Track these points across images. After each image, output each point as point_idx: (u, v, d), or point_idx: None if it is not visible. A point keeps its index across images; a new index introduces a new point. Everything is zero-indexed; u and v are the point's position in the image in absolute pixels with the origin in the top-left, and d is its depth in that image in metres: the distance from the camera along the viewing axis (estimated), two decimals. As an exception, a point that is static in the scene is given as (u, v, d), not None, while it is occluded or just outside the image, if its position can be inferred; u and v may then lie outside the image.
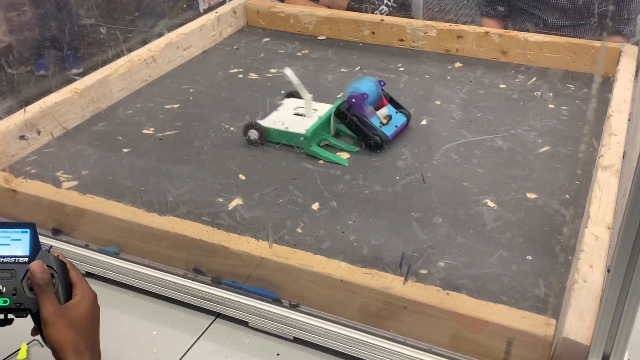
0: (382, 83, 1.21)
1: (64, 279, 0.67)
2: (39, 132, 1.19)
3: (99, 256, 0.97)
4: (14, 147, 1.16)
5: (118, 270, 0.95)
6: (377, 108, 1.19)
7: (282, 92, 1.34)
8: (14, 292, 0.65)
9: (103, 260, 0.96)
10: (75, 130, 1.26)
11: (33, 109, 1.20)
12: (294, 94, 1.28)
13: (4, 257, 0.66)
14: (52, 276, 0.66)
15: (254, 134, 1.18)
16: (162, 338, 0.88)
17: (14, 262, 0.66)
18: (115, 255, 0.97)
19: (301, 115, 1.22)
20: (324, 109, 1.22)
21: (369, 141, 1.15)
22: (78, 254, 0.97)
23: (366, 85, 1.18)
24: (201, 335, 0.88)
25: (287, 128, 1.17)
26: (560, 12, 1.76)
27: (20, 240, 0.67)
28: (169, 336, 0.88)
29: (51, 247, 0.72)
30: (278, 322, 0.86)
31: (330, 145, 1.18)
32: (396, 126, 1.18)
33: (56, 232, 1.02)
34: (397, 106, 1.23)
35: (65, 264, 0.68)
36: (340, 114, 1.17)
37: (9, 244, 0.67)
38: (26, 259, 0.66)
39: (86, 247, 0.99)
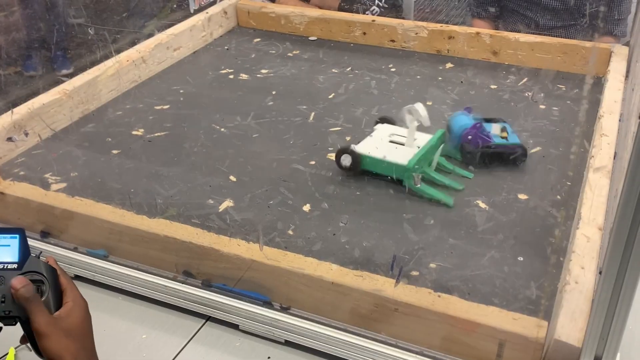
0: (469, 110, 1.18)
1: (54, 286, 0.65)
2: (26, 134, 1.18)
3: (87, 259, 0.96)
4: (1, 149, 1.14)
5: (107, 273, 0.94)
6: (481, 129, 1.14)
7: (273, 92, 1.32)
8: (3, 299, 0.63)
9: (92, 263, 0.95)
10: (64, 131, 1.25)
11: (21, 110, 1.18)
12: (387, 119, 1.18)
13: None
14: (42, 282, 0.64)
15: (347, 160, 1.07)
16: (151, 342, 0.87)
17: (3, 269, 0.64)
18: (104, 258, 0.96)
19: (398, 144, 1.11)
20: (423, 139, 1.10)
21: (514, 157, 1.09)
22: (67, 257, 0.96)
23: (466, 119, 1.13)
24: (191, 338, 0.87)
25: (385, 157, 1.06)
26: (552, 13, 1.76)
27: (9, 246, 0.66)
28: (158, 340, 0.87)
29: (41, 252, 0.71)
30: (269, 325, 0.85)
31: (431, 181, 1.07)
32: (513, 132, 1.14)
33: (44, 235, 1.01)
34: (488, 120, 1.17)
35: (55, 270, 0.67)
36: (469, 155, 1.10)
37: None
38: (15, 265, 0.65)
39: (75, 250, 0.98)
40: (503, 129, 1.13)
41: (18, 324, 0.64)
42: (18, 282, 0.63)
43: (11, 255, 0.65)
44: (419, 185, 1.03)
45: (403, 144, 1.10)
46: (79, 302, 0.66)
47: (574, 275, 0.79)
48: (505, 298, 0.83)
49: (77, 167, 1.13)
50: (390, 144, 1.11)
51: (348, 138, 1.21)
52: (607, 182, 0.96)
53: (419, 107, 1.06)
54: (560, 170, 1.10)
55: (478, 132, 1.10)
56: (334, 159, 1.09)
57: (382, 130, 1.15)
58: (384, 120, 1.19)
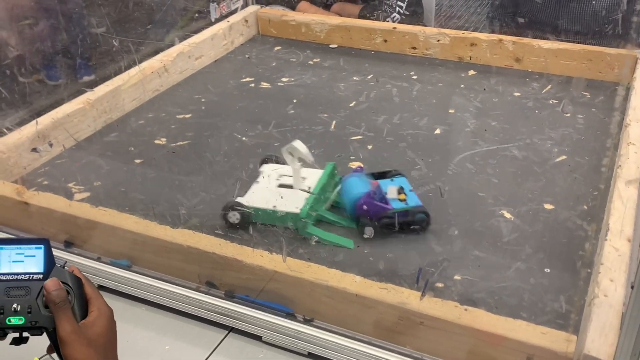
0: (360, 169, 1.07)
1: (79, 296, 0.65)
2: (51, 145, 1.19)
3: (111, 269, 0.96)
4: (26, 159, 1.15)
5: (130, 284, 0.94)
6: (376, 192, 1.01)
7: (294, 100, 1.32)
8: (29, 310, 0.63)
9: (115, 274, 0.95)
10: (88, 141, 1.26)
11: (45, 120, 1.19)
12: (271, 158, 1.09)
13: (18, 274, 0.65)
14: (68, 293, 0.65)
15: (234, 217, 0.98)
16: (175, 353, 0.87)
17: (28, 279, 0.65)
18: (128, 268, 0.96)
19: (287, 187, 1.02)
20: (313, 176, 1.03)
21: (416, 226, 0.97)
22: (90, 267, 0.97)
23: (359, 184, 1.00)
24: (214, 350, 0.87)
25: (275, 207, 0.97)
26: (578, 23, 1.73)
27: (34, 256, 0.66)
28: (182, 351, 0.87)
29: (65, 262, 0.71)
30: (292, 337, 0.84)
31: (328, 222, 1.00)
32: (411, 190, 1.02)
33: (68, 245, 1.01)
34: (382, 175, 1.06)
35: (80, 279, 0.67)
36: (366, 227, 0.97)
37: (22, 261, 0.65)
38: (41, 276, 0.65)
39: (98, 260, 0.98)
40: (400, 190, 1.00)
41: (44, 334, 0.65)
42: (52, 285, 0.63)
43: (37, 266, 0.66)
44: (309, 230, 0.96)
45: (292, 187, 1.01)
46: (104, 311, 0.66)
47: (602, 288, 0.77)
48: (532, 311, 0.81)
49: (100, 177, 1.14)
50: (280, 189, 1.02)
51: (370, 147, 1.21)
52: (636, 193, 0.94)
53: (298, 144, 0.98)
54: (587, 179, 1.09)
55: (373, 199, 0.97)
56: (221, 216, 0.99)
57: (269, 173, 1.05)
58: (268, 160, 1.09)
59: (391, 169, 1.07)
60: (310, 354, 0.84)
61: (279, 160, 1.08)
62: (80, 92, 1.28)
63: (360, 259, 0.91)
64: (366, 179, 1.02)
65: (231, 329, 0.89)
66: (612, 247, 0.84)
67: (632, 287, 0.62)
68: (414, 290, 0.79)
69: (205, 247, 0.89)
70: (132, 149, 1.23)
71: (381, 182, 1.02)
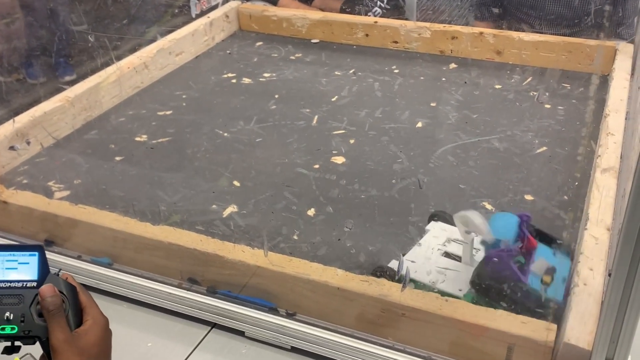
0: (525, 218, 0.83)
1: (74, 304, 0.64)
2: (28, 143, 1.17)
3: (92, 267, 0.95)
4: (4, 158, 1.14)
5: (112, 281, 0.94)
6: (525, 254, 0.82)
7: (276, 96, 1.31)
8: (22, 318, 0.62)
9: (96, 272, 0.94)
10: (67, 139, 1.25)
11: (23, 118, 1.18)
12: (443, 216, 0.93)
13: (11, 281, 0.63)
14: (62, 301, 0.63)
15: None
16: (157, 350, 0.86)
17: (22, 287, 0.63)
18: (109, 266, 0.95)
19: (454, 258, 0.88)
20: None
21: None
22: (71, 265, 0.96)
23: (505, 228, 0.82)
24: (197, 346, 0.87)
25: (433, 283, 0.83)
26: (556, 16, 1.74)
27: (28, 263, 0.64)
28: (164, 348, 0.87)
29: (60, 270, 0.70)
30: (275, 331, 0.84)
31: None
32: (564, 279, 0.79)
33: (48, 244, 1.00)
34: (548, 238, 0.86)
35: (75, 287, 0.66)
36: (482, 289, 0.80)
37: (16, 268, 0.64)
38: (34, 284, 0.63)
39: (79, 258, 0.97)
40: (550, 271, 0.78)
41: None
42: (47, 291, 0.62)
43: (30, 273, 0.64)
44: None
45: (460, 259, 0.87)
46: (99, 321, 0.65)
47: (582, 277, 0.78)
48: (514, 301, 0.82)
49: (80, 175, 1.13)
50: (445, 260, 0.88)
51: (352, 141, 1.20)
52: (615, 182, 0.95)
53: (472, 215, 0.82)
54: (567, 170, 1.09)
55: (510, 259, 0.78)
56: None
57: (437, 234, 0.91)
58: (438, 217, 0.95)
59: (562, 240, 0.87)
60: (293, 348, 0.84)
61: (449, 220, 0.93)
62: (59, 90, 1.27)
63: (342, 252, 0.91)
64: (516, 229, 0.82)
65: (214, 325, 0.89)
66: (592, 237, 0.84)
67: (609, 275, 0.63)
68: (396, 283, 0.80)
69: (187, 244, 0.88)
70: (113, 146, 1.22)
71: (541, 245, 0.83)
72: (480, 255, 0.84)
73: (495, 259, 0.79)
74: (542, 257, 0.81)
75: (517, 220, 0.84)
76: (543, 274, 0.79)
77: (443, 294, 0.79)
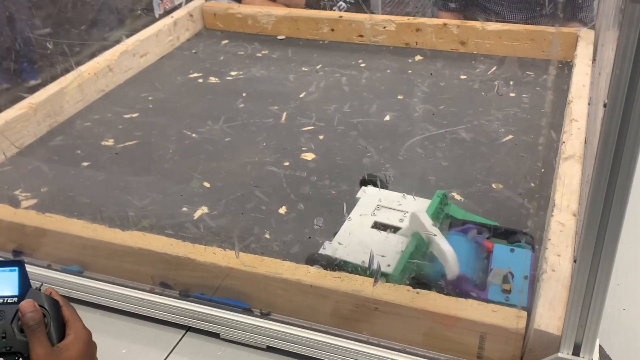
0: (470, 229, 0.84)
1: (56, 318, 0.64)
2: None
3: (62, 276, 0.94)
4: (-33, 168, 1.12)
5: (83, 289, 0.93)
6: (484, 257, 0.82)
7: (244, 94, 1.31)
8: (3, 335, 0.61)
9: (67, 280, 0.93)
10: (32, 146, 1.23)
11: (-15, 127, 1.16)
12: (374, 180, 0.92)
13: None
14: (44, 315, 0.63)
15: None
16: (132, 356, 0.86)
17: (3, 303, 0.63)
18: (79, 274, 0.94)
19: (382, 228, 0.86)
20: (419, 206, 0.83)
21: None
22: (41, 275, 0.94)
23: (463, 249, 0.80)
24: (172, 350, 0.86)
25: (364, 263, 0.81)
26: (516, 5, 1.76)
27: (8, 279, 0.64)
28: (139, 353, 0.86)
29: (42, 284, 0.69)
30: (250, 332, 0.84)
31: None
32: (525, 277, 0.79)
33: (17, 254, 0.99)
34: (506, 234, 0.85)
35: (57, 302, 0.65)
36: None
37: None
38: (15, 299, 0.63)
39: (48, 267, 0.96)
40: (508, 277, 0.78)
41: None
42: (27, 306, 0.61)
43: (11, 289, 0.63)
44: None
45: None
46: (81, 335, 0.64)
47: (550, 263, 0.79)
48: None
49: (47, 182, 1.11)
50: (373, 231, 0.86)
51: (321, 137, 1.21)
52: (579, 168, 0.97)
53: (422, 216, 0.81)
54: (533, 157, 1.11)
55: (466, 283, 0.79)
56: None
57: (366, 201, 0.89)
58: (370, 181, 0.94)
59: (521, 230, 0.84)
60: (269, 348, 0.84)
61: (383, 182, 0.91)
62: (21, 98, 1.25)
63: (314, 249, 0.91)
64: (475, 243, 0.81)
65: (188, 329, 0.89)
66: (559, 223, 0.86)
67: (575, 261, 0.64)
68: (367, 278, 0.80)
69: (157, 248, 0.88)
70: (79, 152, 1.20)
71: (497, 246, 0.82)
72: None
73: (456, 289, 0.80)
74: (497, 266, 0.81)
75: (464, 239, 0.85)
76: (501, 282, 0.79)
77: (372, 274, 0.77)
